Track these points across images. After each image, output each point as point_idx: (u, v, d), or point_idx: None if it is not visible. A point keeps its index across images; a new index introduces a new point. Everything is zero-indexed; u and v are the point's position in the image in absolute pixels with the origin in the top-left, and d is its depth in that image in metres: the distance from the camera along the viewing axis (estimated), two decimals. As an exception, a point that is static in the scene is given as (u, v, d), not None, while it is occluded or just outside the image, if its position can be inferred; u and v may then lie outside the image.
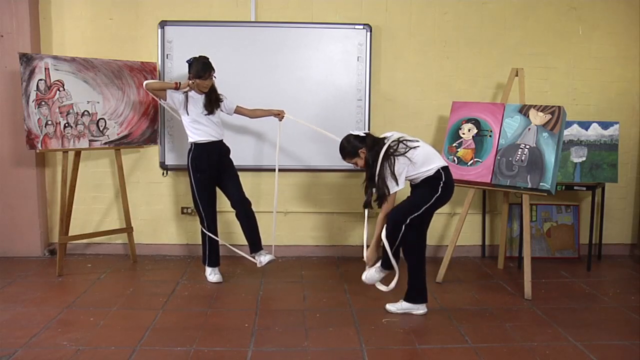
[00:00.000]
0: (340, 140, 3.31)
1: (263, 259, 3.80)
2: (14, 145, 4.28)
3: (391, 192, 3.07)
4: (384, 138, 3.18)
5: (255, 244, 3.87)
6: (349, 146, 3.20)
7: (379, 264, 3.30)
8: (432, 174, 3.12)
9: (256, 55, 4.33)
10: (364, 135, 3.21)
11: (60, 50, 4.31)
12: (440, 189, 3.12)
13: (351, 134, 3.23)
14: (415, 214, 3.12)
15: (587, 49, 4.53)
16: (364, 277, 3.36)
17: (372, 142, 3.15)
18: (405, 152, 3.07)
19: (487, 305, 3.52)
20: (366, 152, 3.15)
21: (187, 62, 3.71)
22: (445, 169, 3.17)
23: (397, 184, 3.07)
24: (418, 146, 3.12)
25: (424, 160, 3.11)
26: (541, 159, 3.61)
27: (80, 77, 3.98)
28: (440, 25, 4.45)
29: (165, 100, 3.74)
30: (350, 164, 3.30)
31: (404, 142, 3.11)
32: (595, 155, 4.30)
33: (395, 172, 3.05)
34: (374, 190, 3.15)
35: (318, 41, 4.34)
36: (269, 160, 4.35)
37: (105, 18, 4.33)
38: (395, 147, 3.09)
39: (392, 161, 3.06)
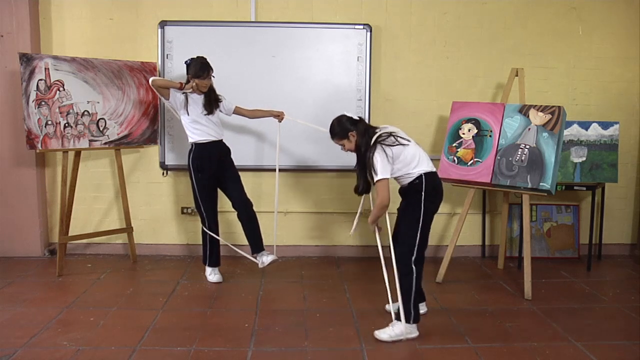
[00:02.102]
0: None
1: (265, 259, 3.81)
2: (14, 145, 4.28)
3: (376, 180, 2.94)
4: (377, 128, 3.10)
5: (257, 245, 3.87)
6: (339, 127, 3.10)
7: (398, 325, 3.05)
8: (414, 178, 3.00)
9: (256, 55, 4.33)
10: (358, 119, 3.10)
11: (60, 50, 4.31)
12: (422, 202, 2.98)
13: (344, 115, 3.12)
14: (416, 243, 2.98)
15: (587, 49, 4.53)
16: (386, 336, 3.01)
17: (364, 128, 3.05)
18: (392, 145, 2.98)
19: (487, 305, 3.52)
20: (357, 136, 3.05)
21: (185, 63, 3.71)
22: (429, 175, 3.02)
23: (383, 173, 2.92)
24: (408, 145, 3.03)
25: (410, 160, 3.00)
26: (541, 159, 3.61)
27: (80, 77, 3.98)
28: (440, 25, 4.45)
29: (168, 100, 3.74)
30: (339, 145, 3.17)
31: (395, 136, 3.03)
32: (595, 155, 4.30)
33: (380, 161, 2.93)
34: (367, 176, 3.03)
35: (318, 41, 4.34)
36: (269, 160, 4.35)
37: (106, 18, 4.34)
38: (385, 138, 3.00)
39: (379, 150, 2.95)
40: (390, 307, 3.27)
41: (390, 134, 3.03)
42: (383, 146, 2.97)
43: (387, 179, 2.95)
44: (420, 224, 3.00)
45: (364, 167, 3.02)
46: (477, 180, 3.80)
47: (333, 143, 3.24)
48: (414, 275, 2.99)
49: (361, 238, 4.62)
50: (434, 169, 3.08)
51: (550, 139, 3.61)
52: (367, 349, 2.87)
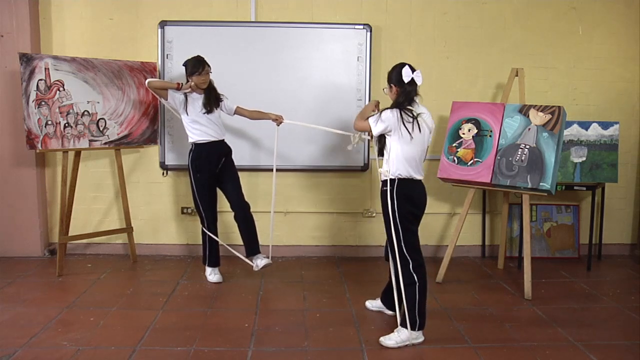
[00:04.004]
0: (342, 133, 3.17)
1: (260, 262, 3.81)
2: (14, 145, 4.28)
3: (368, 121, 2.96)
4: (416, 104, 2.99)
5: (252, 247, 3.86)
6: (393, 73, 3.00)
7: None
8: (387, 178, 2.92)
9: (256, 55, 4.33)
10: (411, 80, 2.93)
11: (60, 50, 4.31)
12: (396, 210, 2.90)
13: (408, 68, 2.94)
14: (404, 250, 2.93)
15: (587, 49, 4.53)
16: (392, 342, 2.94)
17: (406, 94, 2.95)
18: (405, 123, 2.87)
19: (487, 305, 3.52)
20: (397, 94, 2.97)
21: (183, 65, 3.72)
22: (403, 181, 2.91)
23: (373, 124, 2.93)
24: (411, 140, 2.90)
25: (397, 156, 2.89)
26: (541, 159, 3.61)
27: (80, 77, 3.98)
28: (440, 25, 4.45)
29: (167, 100, 3.75)
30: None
31: (419, 125, 2.92)
32: (595, 155, 4.30)
33: (380, 120, 2.89)
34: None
35: (318, 41, 4.34)
36: (268, 160, 4.34)
37: (105, 18, 4.33)
38: (408, 114, 2.89)
39: (391, 113, 2.89)
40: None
41: (415, 118, 2.91)
42: (397, 114, 2.88)
43: (371, 128, 2.95)
44: (401, 232, 2.92)
45: None
46: (477, 180, 3.80)
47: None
48: (417, 284, 2.93)
49: (361, 238, 4.62)
50: (418, 177, 2.96)
51: (550, 139, 3.61)
52: (367, 349, 2.87)
